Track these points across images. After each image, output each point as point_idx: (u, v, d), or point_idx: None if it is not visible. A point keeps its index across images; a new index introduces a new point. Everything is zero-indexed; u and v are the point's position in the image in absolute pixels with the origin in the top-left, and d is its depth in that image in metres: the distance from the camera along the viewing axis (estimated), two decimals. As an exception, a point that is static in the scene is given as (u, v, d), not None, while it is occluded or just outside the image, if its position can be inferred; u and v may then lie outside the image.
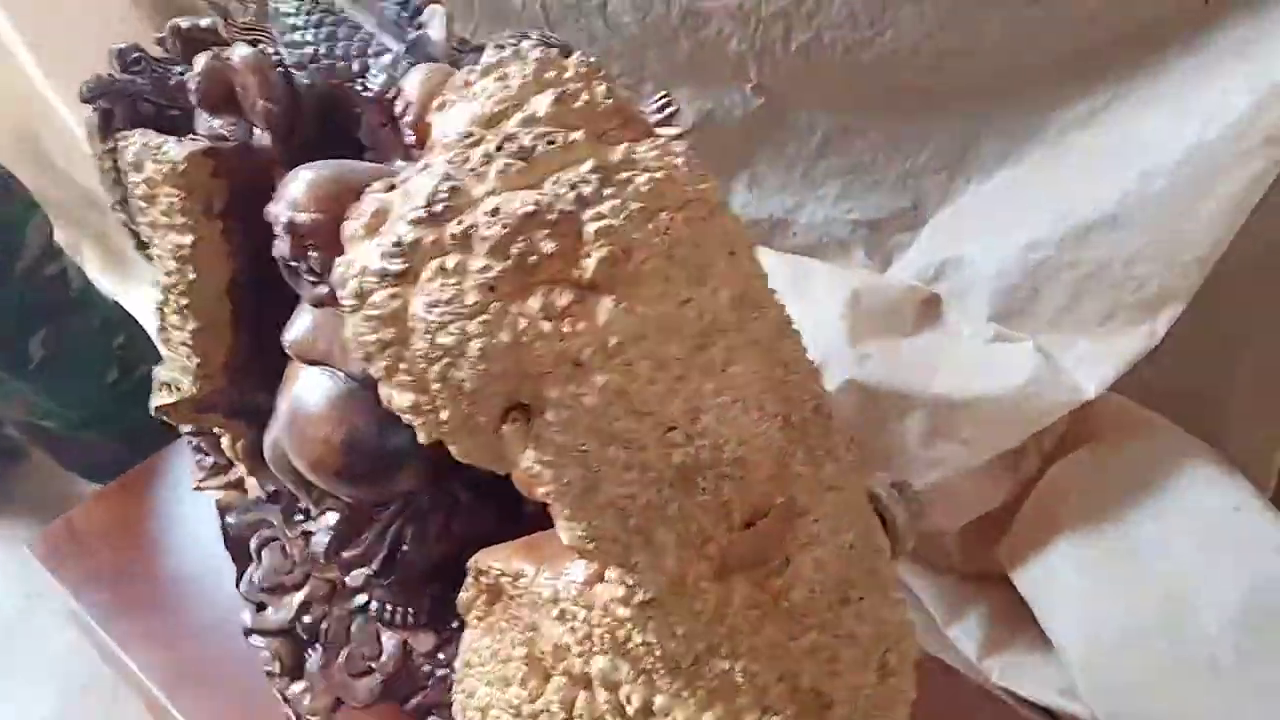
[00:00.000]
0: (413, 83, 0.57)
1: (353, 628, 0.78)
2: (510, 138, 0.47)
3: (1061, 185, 1.12)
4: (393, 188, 0.48)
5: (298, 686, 0.80)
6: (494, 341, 0.43)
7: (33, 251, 1.30)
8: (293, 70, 0.67)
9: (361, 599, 0.77)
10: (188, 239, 0.66)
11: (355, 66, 0.65)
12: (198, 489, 0.89)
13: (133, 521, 1.05)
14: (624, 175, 0.46)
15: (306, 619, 0.80)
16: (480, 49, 0.71)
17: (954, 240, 1.25)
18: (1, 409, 1.52)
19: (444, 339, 0.44)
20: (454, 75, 0.52)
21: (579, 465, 0.46)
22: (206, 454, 0.87)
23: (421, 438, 0.48)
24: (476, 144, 0.47)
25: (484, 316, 0.43)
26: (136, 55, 0.74)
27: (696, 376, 0.46)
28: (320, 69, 0.67)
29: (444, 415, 0.47)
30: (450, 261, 0.44)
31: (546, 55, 0.51)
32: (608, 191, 0.45)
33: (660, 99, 0.66)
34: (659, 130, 0.52)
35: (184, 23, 0.79)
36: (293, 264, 0.59)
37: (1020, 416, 1.12)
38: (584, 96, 0.50)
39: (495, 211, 0.44)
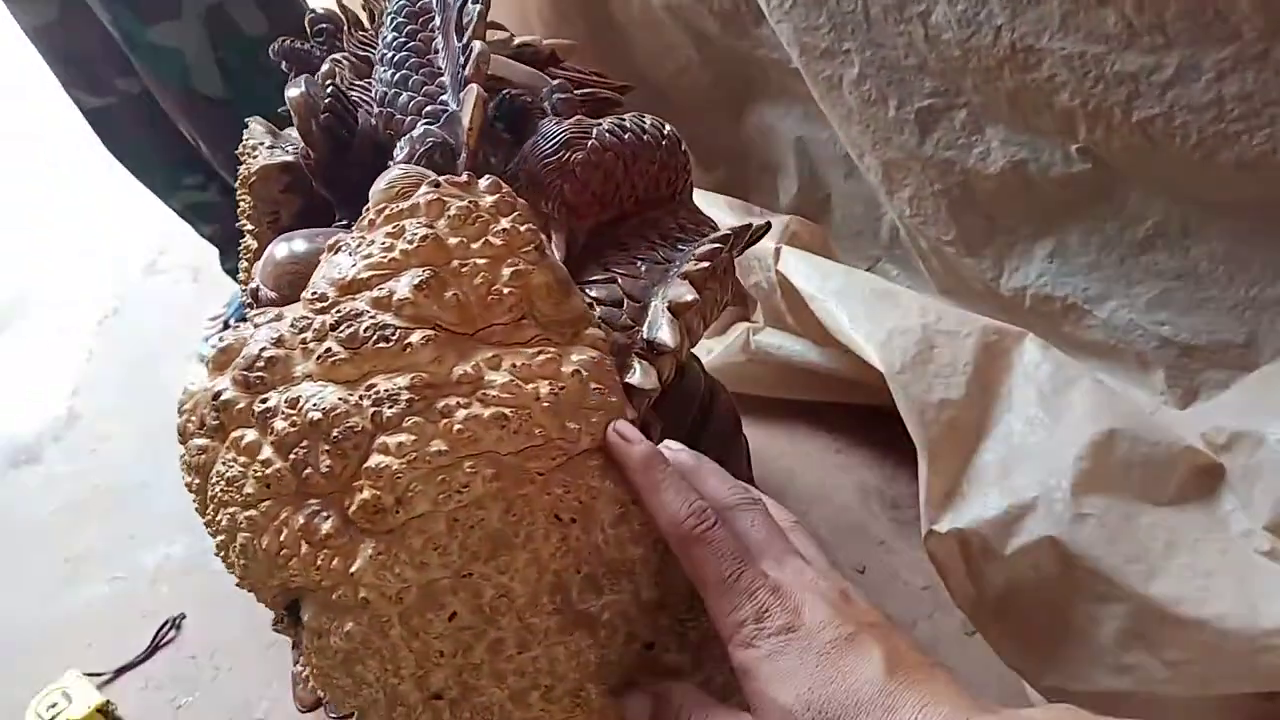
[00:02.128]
0: (377, 188, 0.52)
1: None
2: (351, 318, 0.44)
3: None
4: (280, 316, 0.46)
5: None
6: (255, 543, 0.42)
7: None
8: (363, 105, 0.70)
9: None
10: (253, 244, 0.74)
11: (408, 122, 0.68)
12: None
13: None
14: (446, 403, 0.42)
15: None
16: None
17: (1266, 408, 1.02)
18: None
19: (222, 518, 0.44)
20: (402, 192, 0.50)
21: (340, 691, 0.48)
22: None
23: None
24: (325, 310, 0.45)
25: (253, 513, 0.42)
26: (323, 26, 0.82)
27: (476, 655, 0.43)
28: (381, 115, 0.70)
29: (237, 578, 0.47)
30: (247, 438, 0.43)
31: (469, 211, 0.47)
32: (411, 421, 0.41)
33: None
34: (590, 333, 0.50)
35: (316, 17, 0.84)
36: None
37: (1251, 667, 0.91)
38: (476, 279, 0.46)
39: (295, 404, 0.42)
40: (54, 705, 1.11)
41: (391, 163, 0.63)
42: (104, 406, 1.87)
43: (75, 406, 1.90)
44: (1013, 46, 1.03)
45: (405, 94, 0.67)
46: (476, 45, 0.63)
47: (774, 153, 1.55)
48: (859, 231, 1.48)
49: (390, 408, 0.43)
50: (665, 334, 0.56)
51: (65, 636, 1.34)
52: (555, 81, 0.71)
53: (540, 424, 0.44)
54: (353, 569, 0.42)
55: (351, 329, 0.44)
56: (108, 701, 1.17)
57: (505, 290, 0.46)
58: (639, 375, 0.54)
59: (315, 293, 0.46)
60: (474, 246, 0.47)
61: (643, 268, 0.60)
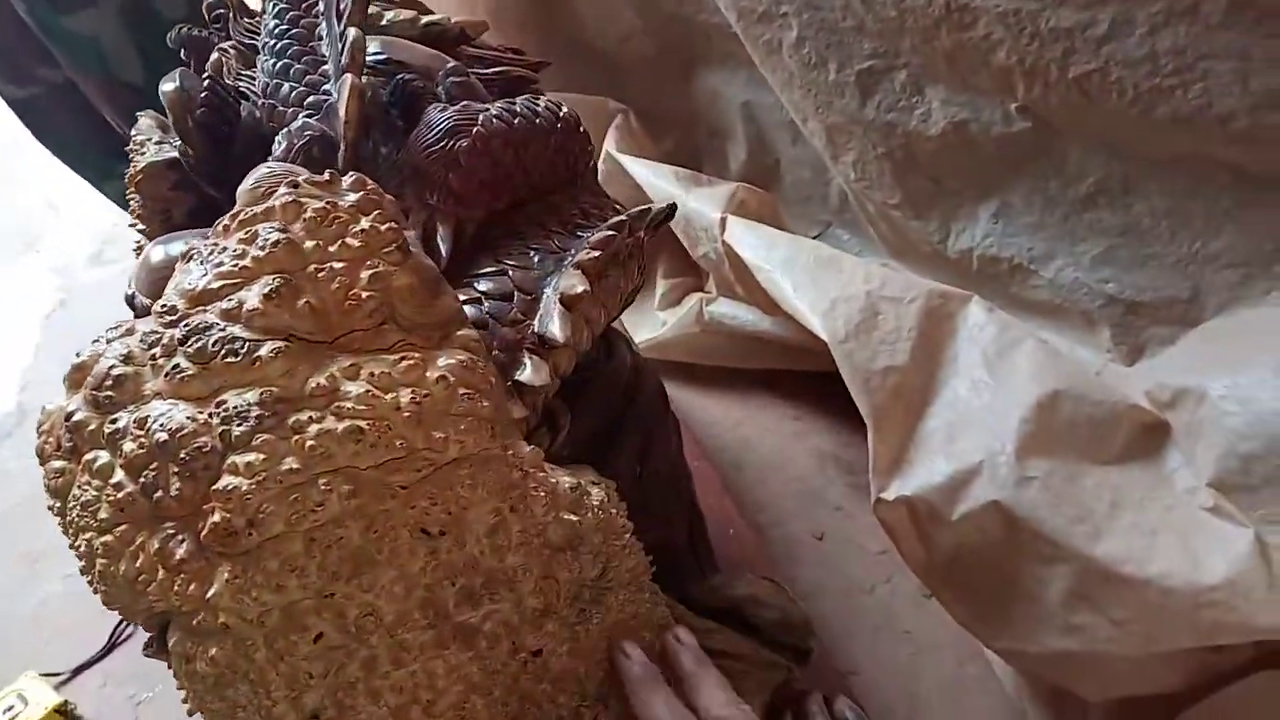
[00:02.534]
0: (243, 187, 0.50)
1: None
2: (200, 331, 0.41)
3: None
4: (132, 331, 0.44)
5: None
6: (113, 569, 0.41)
7: None
8: (250, 97, 0.67)
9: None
10: (143, 241, 0.71)
11: (289, 114, 0.64)
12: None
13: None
14: (298, 418, 0.40)
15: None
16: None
17: (1209, 364, 1.00)
18: None
19: (80, 543, 0.42)
20: (269, 189, 0.47)
21: (216, 715, 0.46)
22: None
23: None
24: (174, 323, 0.43)
25: (108, 538, 0.41)
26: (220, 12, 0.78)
27: (349, 674, 0.41)
28: (264, 107, 0.66)
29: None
30: (100, 460, 0.41)
31: (327, 212, 0.44)
32: (261, 439, 0.39)
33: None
34: (462, 335, 0.47)
35: (212, 3, 0.80)
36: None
37: (1193, 623, 0.90)
38: (333, 284, 0.43)
39: (143, 424, 0.40)
40: (10, 709, 1.09)
41: (271, 159, 0.60)
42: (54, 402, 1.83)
43: (24, 403, 1.87)
44: (948, 6, 1.00)
45: (287, 85, 0.64)
46: (351, 33, 0.60)
47: (722, 119, 1.52)
48: (808, 197, 1.45)
49: (239, 425, 0.40)
50: (555, 327, 0.53)
51: (22, 636, 1.32)
52: (451, 64, 0.67)
53: (402, 435, 0.41)
54: (209, 594, 0.40)
55: (200, 343, 0.42)
56: (66, 701, 1.15)
57: (364, 295, 0.44)
58: (529, 372, 0.52)
59: (165, 305, 0.44)
60: (331, 249, 0.44)
61: (536, 258, 0.57)
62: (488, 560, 0.44)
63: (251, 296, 0.42)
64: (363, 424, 0.40)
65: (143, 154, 0.67)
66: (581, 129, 0.65)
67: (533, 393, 0.52)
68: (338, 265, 0.44)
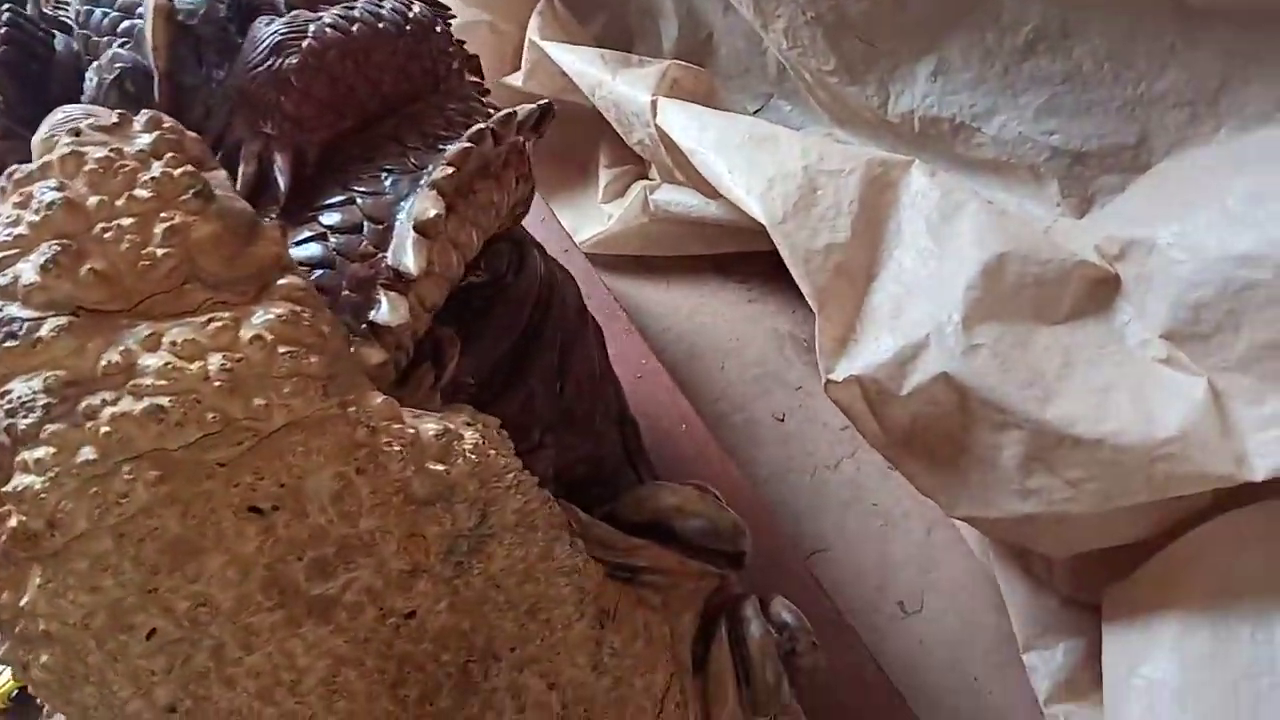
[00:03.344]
0: (36, 140, 0.42)
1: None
2: (-21, 315, 0.35)
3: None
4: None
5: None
6: None
7: None
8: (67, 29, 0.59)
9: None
10: None
11: (103, 44, 0.56)
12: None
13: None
14: (90, 402, 0.35)
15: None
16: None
17: (1158, 212, 0.94)
18: None
19: None
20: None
21: (74, 716, 0.42)
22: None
23: None
24: (-46, 309, 0.36)
25: None
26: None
27: (197, 665, 0.37)
28: (79, 37, 0.58)
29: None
30: None
31: (111, 161, 0.38)
32: (50, 430, 0.34)
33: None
34: (284, 284, 0.41)
35: None
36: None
37: (1150, 477, 0.86)
38: (122, 245, 0.37)
39: None
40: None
41: (84, 98, 0.53)
42: None
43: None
44: None
45: (99, 10, 0.56)
46: None
47: (651, -5, 1.43)
48: (746, 69, 1.36)
49: (26, 417, 0.35)
50: (409, 259, 0.47)
51: None
52: None
53: (214, 407, 0.36)
54: (23, 602, 0.36)
55: (-22, 329, 0.36)
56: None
57: (159, 253, 0.38)
58: (385, 311, 0.46)
59: None
60: (119, 204, 0.38)
61: (389, 181, 0.51)
62: (337, 528, 0.39)
63: (28, 270, 0.37)
64: (164, 401, 0.35)
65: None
66: (439, 29, 0.57)
67: (393, 333, 0.46)
68: (126, 221, 0.38)
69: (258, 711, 0.40)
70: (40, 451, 0.35)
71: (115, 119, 0.41)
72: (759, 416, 1.27)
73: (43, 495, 0.34)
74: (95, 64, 0.53)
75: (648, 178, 1.42)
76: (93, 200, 0.38)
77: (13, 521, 0.35)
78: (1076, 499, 0.89)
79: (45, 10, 0.59)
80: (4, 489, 0.35)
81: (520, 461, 0.50)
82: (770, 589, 0.93)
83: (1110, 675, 0.93)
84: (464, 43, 0.81)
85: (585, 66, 1.27)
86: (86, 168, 0.38)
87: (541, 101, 0.57)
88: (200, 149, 0.42)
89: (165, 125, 0.41)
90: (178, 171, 0.39)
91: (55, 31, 0.59)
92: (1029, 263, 0.94)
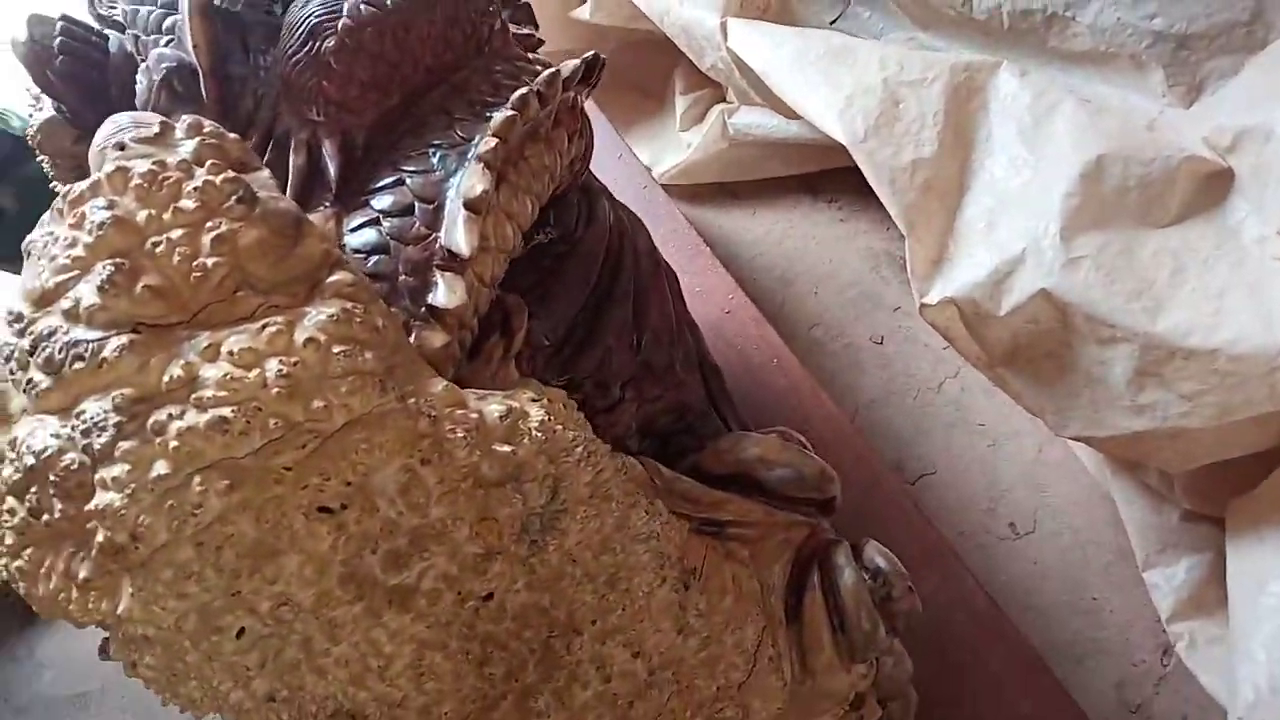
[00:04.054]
0: (92, 147, 0.43)
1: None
2: (46, 338, 0.38)
3: None
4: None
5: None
6: (34, 591, 0.39)
7: None
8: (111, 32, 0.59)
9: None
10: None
11: (150, 42, 0.55)
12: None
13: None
14: (157, 418, 0.36)
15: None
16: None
17: (1274, 94, 0.86)
18: None
19: (1, 568, 0.40)
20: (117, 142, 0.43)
21: (185, 705, 0.44)
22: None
23: None
24: (23, 331, 0.39)
25: (20, 563, 0.39)
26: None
27: (288, 658, 0.39)
28: (124, 43, 0.57)
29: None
30: None
31: (155, 174, 0.38)
32: (125, 446, 0.36)
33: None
34: (334, 281, 0.41)
35: None
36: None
37: (1272, 386, 0.81)
38: (174, 257, 0.38)
39: (14, 447, 0.38)
40: None
41: (137, 100, 0.54)
42: None
43: None
44: None
45: (144, 8, 0.56)
46: None
47: (717, -97, 1.36)
48: (820, -24, 1.29)
49: (100, 436, 0.36)
50: (461, 238, 0.47)
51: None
52: None
53: (276, 413, 0.37)
54: (120, 609, 0.38)
55: (47, 351, 0.38)
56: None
57: (210, 263, 0.38)
58: (442, 293, 0.46)
59: (12, 311, 0.40)
60: (166, 217, 0.39)
61: (436, 157, 0.50)
62: (408, 519, 0.40)
63: (88, 291, 0.37)
64: (227, 411, 0.36)
65: (39, 109, 0.62)
66: (481, -15, 0.55)
67: (453, 314, 0.46)
68: (175, 234, 0.38)
69: (352, 695, 0.42)
70: (116, 469, 0.36)
71: (158, 129, 0.41)
72: (857, 341, 1.24)
73: (123, 511, 0.36)
74: (144, 65, 0.53)
75: (725, 101, 1.38)
76: (141, 215, 0.39)
77: (100, 537, 0.36)
78: (1193, 413, 0.84)
79: (100, 10, 0.60)
80: (88, 506, 0.36)
81: (591, 431, 0.49)
82: (873, 519, 0.92)
83: (1237, 591, 0.89)
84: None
85: (648, -12, 1.23)
86: (133, 183, 0.39)
87: (587, 55, 0.55)
88: (241, 150, 0.42)
89: (206, 130, 0.41)
90: (220, 179, 0.39)
91: (109, 32, 0.60)
92: (1131, 163, 0.88)
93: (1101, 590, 1.05)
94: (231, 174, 0.40)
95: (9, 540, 0.39)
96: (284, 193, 0.51)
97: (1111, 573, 1.05)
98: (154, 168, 0.39)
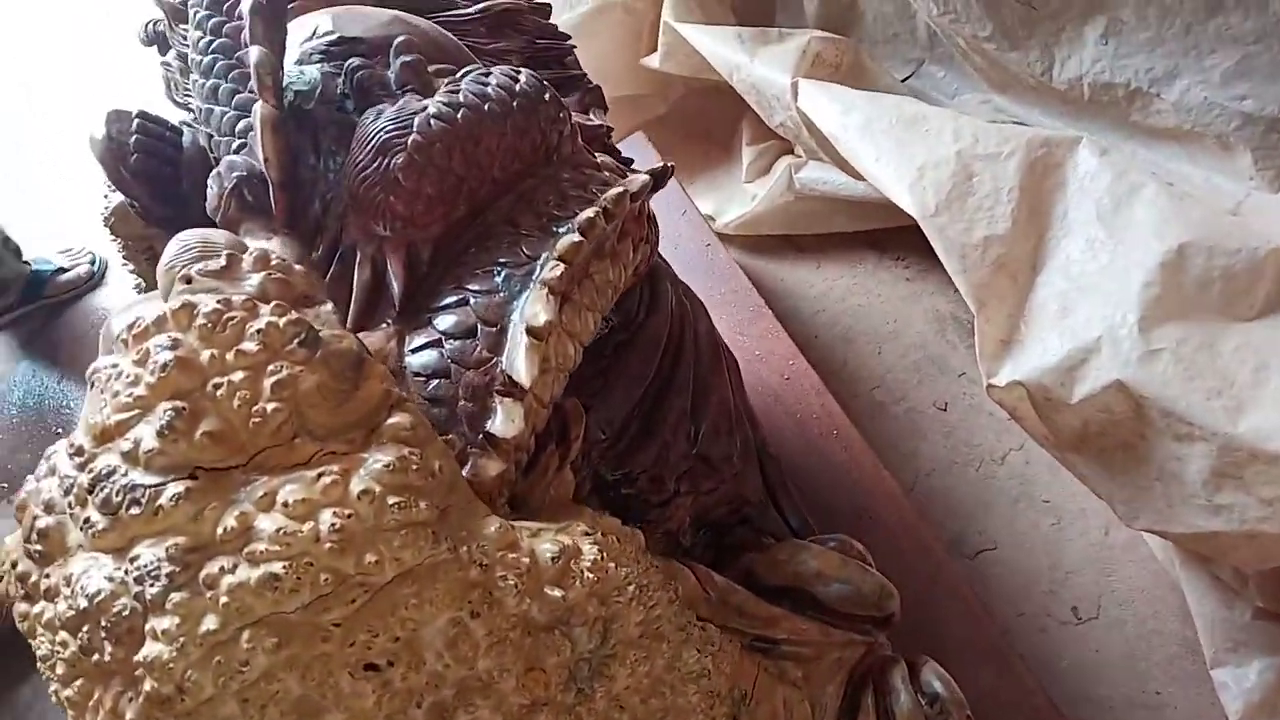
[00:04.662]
0: (161, 264, 0.44)
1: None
2: (105, 478, 0.38)
3: None
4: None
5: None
6: None
7: None
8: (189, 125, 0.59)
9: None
10: (138, 281, 0.66)
11: (223, 145, 0.56)
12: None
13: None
14: (209, 571, 0.36)
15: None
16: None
17: None
18: None
19: (51, 691, 0.40)
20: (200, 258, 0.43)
21: None
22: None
23: None
24: (84, 465, 0.39)
25: (70, 693, 0.39)
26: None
27: None
28: (197, 137, 0.58)
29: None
30: (46, 614, 0.40)
31: (220, 313, 0.38)
32: (175, 600, 0.36)
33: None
34: (392, 424, 0.40)
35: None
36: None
37: (1360, 498, 0.78)
38: (234, 401, 0.38)
39: (69, 582, 0.38)
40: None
41: (208, 204, 0.54)
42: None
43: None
44: None
45: (218, 108, 0.56)
46: (254, 54, 0.51)
47: (791, -40, 1.35)
48: (894, 34, 1.27)
49: (153, 585, 0.36)
50: (521, 367, 0.46)
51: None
52: (401, 38, 0.57)
53: (327, 568, 0.37)
54: None
55: (105, 492, 0.38)
56: None
57: (269, 408, 0.38)
58: (500, 422, 0.45)
59: (74, 444, 0.40)
60: (229, 358, 0.38)
61: (500, 277, 0.49)
62: (454, 671, 0.39)
63: (148, 435, 0.37)
64: (278, 568, 0.36)
65: (114, 193, 0.62)
66: (548, 95, 0.54)
67: (510, 443, 0.45)
68: (237, 377, 0.38)
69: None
70: (167, 621, 0.36)
71: (224, 261, 0.41)
72: (919, 406, 1.21)
73: (171, 665, 0.36)
74: (215, 171, 0.54)
75: (793, 153, 1.36)
76: (204, 355, 0.39)
77: (147, 686, 0.36)
78: (1272, 518, 0.81)
79: (177, 98, 0.60)
80: (138, 656, 0.36)
81: (646, 562, 0.48)
82: (932, 610, 0.90)
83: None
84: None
85: (721, 48, 1.22)
86: (198, 321, 0.39)
87: (654, 166, 0.54)
88: (307, 284, 0.42)
89: (272, 264, 0.41)
90: (283, 321, 0.39)
91: (183, 125, 0.60)
92: (1215, 253, 0.85)
93: (1165, 685, 1.01)
94: (295, 315, 0.39)
95: (60, 669, 0.40)
96: (349, 307, 0.51)
97: (1176, 667, 1.01)
98: (219, 306, 0.39)
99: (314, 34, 0.60)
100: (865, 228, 1.34)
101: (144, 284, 0.66)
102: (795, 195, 1.31)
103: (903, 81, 1.26)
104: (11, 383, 1.79)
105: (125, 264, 0.67)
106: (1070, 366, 0.87)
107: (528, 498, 0.51)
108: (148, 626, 0.36)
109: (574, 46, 0.76)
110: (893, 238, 1.34)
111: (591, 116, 0.68)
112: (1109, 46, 0.96)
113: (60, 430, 1.68)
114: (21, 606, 0.42)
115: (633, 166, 0.73)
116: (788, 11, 1.39)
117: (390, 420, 0.41)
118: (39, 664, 0.42)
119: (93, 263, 1.88)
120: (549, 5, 0.78)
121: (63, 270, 1.85)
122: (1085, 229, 0.92)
